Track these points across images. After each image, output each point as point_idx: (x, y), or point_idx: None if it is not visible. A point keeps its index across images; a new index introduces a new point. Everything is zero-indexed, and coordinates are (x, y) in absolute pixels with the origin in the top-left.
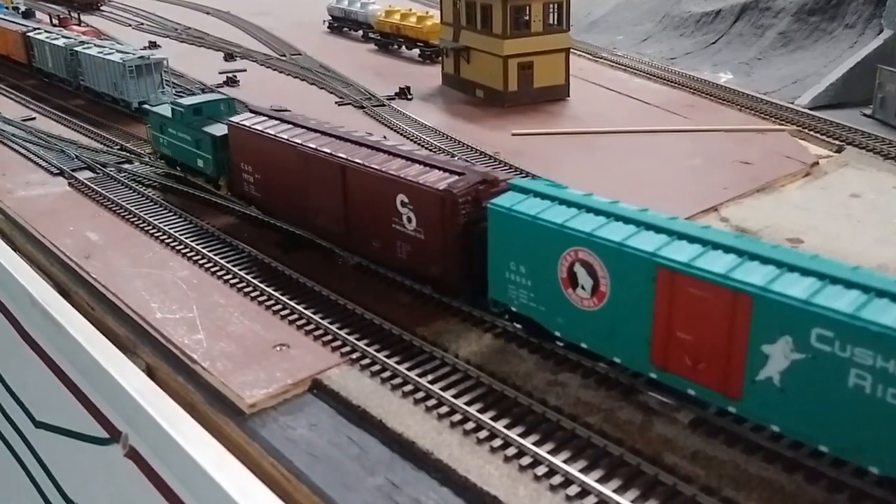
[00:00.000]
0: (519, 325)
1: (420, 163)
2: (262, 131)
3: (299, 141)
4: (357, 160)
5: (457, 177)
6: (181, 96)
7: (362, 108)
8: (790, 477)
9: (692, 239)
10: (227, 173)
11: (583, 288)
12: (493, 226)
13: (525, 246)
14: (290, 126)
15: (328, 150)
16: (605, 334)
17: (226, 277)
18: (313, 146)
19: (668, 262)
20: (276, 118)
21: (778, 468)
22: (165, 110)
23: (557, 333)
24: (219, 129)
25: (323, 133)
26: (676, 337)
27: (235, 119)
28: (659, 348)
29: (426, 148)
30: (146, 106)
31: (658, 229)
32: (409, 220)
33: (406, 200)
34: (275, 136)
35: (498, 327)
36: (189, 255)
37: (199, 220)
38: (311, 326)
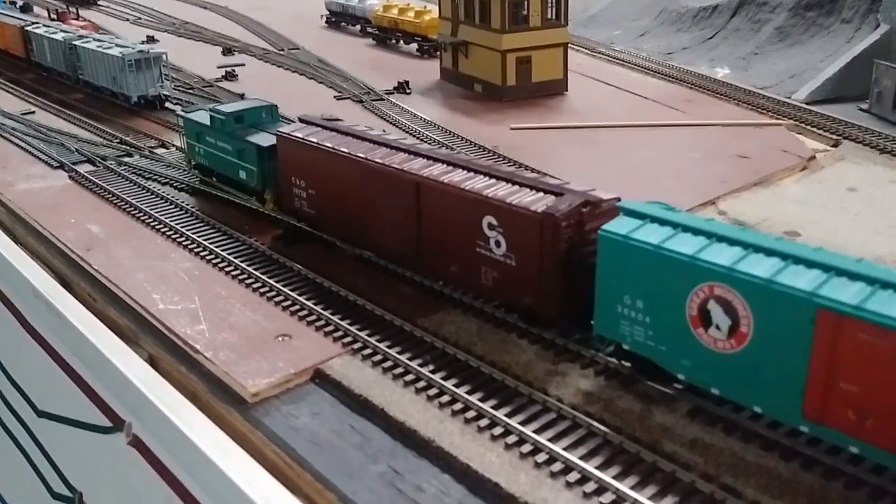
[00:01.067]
0: (628, 364)
1: (508, 181)
2: (318, 143)
3: (363, 154)
4: (434, 177)
5: (554, 197)
6: (221, 102)
7: (361, 102)
8: (787, 464)
9: (854, 276)
10: (273, 187)
11: (717, 328)
12: (605, 255)
13: (645, 278)
14: (349, 137)
15: (398, 165)
16: (744, 381)
17: (227, 269)
18: (380, 160)
19: (832, 303)
20: (330, 128)
21: (775, 456)
22: (202, 117)
23: (681, 376)
24: (265, 140)
25: (388, 146)
26: (839, 388)
27: (286, 129)
28: (815, 399)
29: (425, 141)
30: (180, 113)
31: (809, 263)
32: (498, 244)
33: (495, 223)
34: (333, 148)
35: (498, 317)
36: (190, 247)
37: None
38: (313, 317)
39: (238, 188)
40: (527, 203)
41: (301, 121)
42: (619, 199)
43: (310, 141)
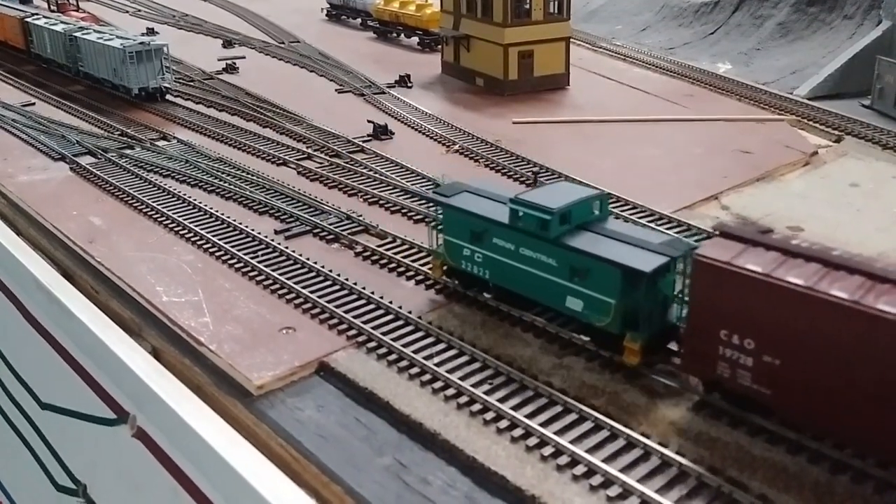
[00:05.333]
0: None
1: None
2: (808, 287)
3: None
4: None
5: None
6: (528, 184)
7: (362, 95)
8: (793, 458)
9: None
10: (646, 332)
11: None
12: None
13: None
14: (855, 276)
15: None
16: None
17: (230, 261)
18: None
19: None
20: (798, 253)
21: (781, 450)
22: (489, 210)
23: None
24: (639, 259)
25: None
26: None
27: (710, 252)
28: None
29: (425, 134)
30: (436, 195)
31: None
32: None
33: None
34: (866, 306)
35: (502, 310)
36: (193, 239)
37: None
38: (317, 310)
39: (558, 319)
40: None
41: (724, 235)
42: None
43: (788, 282)
